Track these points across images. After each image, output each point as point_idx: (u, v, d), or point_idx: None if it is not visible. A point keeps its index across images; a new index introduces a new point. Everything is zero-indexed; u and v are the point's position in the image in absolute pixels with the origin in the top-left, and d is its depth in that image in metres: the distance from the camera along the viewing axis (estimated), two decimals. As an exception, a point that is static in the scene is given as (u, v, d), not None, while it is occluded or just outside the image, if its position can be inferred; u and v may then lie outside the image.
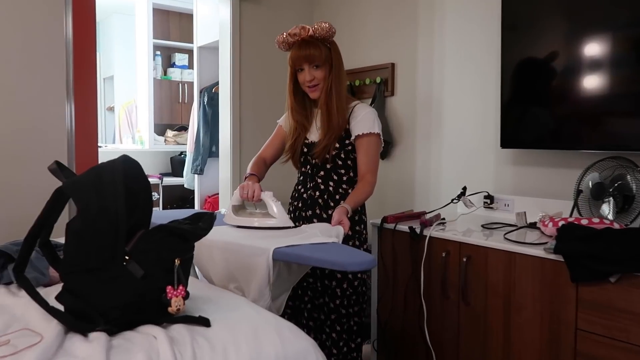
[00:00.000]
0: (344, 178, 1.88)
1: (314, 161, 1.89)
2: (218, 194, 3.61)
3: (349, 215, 1.71)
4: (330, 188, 1.88)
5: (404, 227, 2.10)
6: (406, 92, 2.85)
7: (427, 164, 2.75)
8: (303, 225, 1.71)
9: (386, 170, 2.92)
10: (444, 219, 2.16)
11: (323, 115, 1.84)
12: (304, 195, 1.92)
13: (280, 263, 1.45)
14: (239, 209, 1.76)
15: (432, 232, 2.00)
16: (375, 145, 1.84)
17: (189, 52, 5.27)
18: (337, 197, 1.88)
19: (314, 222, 1.86)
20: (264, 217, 1.68)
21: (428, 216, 2.20)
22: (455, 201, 2.27)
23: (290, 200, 2.01)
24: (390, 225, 2.15)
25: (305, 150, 1.90)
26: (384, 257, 2.18)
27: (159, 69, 5.24)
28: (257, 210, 1.73)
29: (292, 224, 1.68)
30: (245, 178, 1.83)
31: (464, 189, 2.29)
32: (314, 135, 1.89)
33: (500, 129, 2.27)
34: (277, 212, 1.67)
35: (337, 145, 1.84)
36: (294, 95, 1.87)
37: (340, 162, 1.87)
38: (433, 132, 2.72)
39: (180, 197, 5.30)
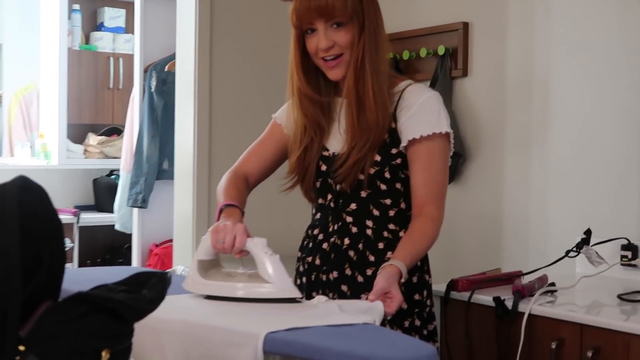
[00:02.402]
0: (391, 213, 1.88)
1: (338, 187, 1.89)
2: (172, 240, 3.62)
3: (402, 280, 1.69)
4: (369, 231, 1.87)
5: (485, 297, 2.09)
6: (488, 70, 2.86)
7: (524, 192, 2.74)
8: (315, 298, 1.70)
9: (454, 200, 2.90)
10: (553, 284, 2.15)
11: (351, 110, 1.84)
12: (324, 246, 1.92)
13: (276, 358, 1.44)
14: (209, 267, 1.75)
15: (534, 306, 1.98)
16: (442, 154, 1.85)
17: (128, 5, 5.33)
18: (381, 245, 1.87)
19: (336, 298, 1.84)
20: (251, 280, 1.68)
21: (526, 280, 2.18)
22: (572, 254, 2.26)
23: (299, 254, 2.00)
24: (463, 295, 2.13)
25: (324, 168, 1.91)
26: (452, 347, 2.16)
27: (76, 34, 5.31)
28: (240, 270, 1.72)
29: (298, 294, 1.67)
30: (220, 213, 1.82)
31: (588, 233, 2.28)
32: (336, 142, 1.90)
33: (648, 133, 2.27)
34: (274, 272, 1.66)
35: (378, 157, 1.85)
36: (303, 74, 1.88)
37: (384, 187, 1.86)
38: (534, 139, 2.72)
39: (108, 245, 5.28)
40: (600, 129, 2.54)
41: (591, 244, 2.28)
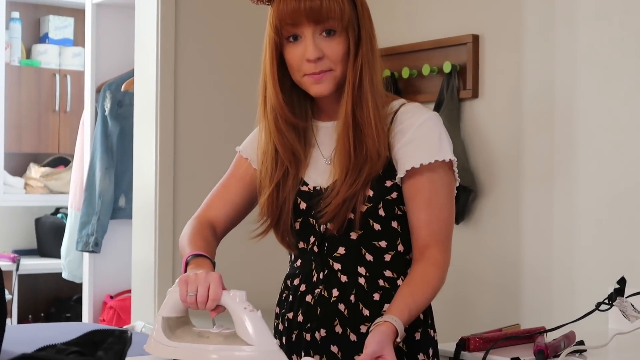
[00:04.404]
0: (387, 257, 1.87)
1: (322, 227, 1.90)
2: (129, 291, 3.59)
3: (398, 340, 1.68)
4: (361, 280, 1.86)
5: (502, 358, 2.07)
6: (502, 90, 2.86)
7: (546, 234, 2.73)
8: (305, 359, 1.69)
9: (464, 244, 2.91)
10: (581, 342, 2.14)
11: (347, 138, 1.83)
12: (307, 298, 1.91)
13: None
14: (177, 325, 1.74)
15: (560, 369, 1.97)
16: (447, 187, 1.86)
17: (76, 13, 5.33)
18: (376, 296, 1.86)
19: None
20: (227, 342, 1.66)
21: (549, 337, 2.18)
22: (604, 307, 2.25)
23: (277, 310, 2.00)
24: (476, 356, 2.11)
25: (304, 206, 1.91)
26: (464, 420, 2.15)
27: (16, 47, 5.29)
28: (214, 330, 1.70)
29: (285, 359, 1.64)
30: (186, 265, 1.81)
31: (622, 283, 2.27)
32: (318, 175, 1.91)
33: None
34: (255, 332, 1.64)
35: (370, 192, 1.84)
36: (280, 90, 1.87)
37: (377, 226, 1.86)
38: (557, 171, 2.72)
39: (54, 297, 5.23)
40: (635, 158, 2.55)
41: (626, 295, 2.27)
